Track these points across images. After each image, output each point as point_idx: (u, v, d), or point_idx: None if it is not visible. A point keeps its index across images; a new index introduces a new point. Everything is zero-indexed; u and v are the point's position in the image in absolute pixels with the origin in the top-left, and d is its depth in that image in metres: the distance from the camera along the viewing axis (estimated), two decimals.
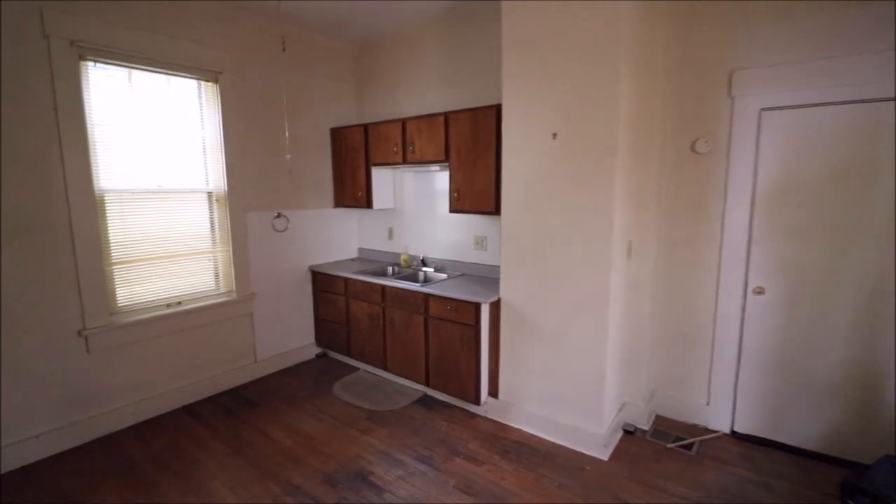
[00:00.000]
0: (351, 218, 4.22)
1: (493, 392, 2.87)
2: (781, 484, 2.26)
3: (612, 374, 2.48)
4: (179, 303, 3.04)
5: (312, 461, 2.46)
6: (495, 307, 2.79)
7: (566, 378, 2.54)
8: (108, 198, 2.67)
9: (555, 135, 2.43)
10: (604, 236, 2.33)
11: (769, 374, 2.53)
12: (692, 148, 2.63)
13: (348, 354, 3.68)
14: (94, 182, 2.59)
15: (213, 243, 3.24)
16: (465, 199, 3.05)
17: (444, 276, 3.43)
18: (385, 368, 3.39)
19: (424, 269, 3.63)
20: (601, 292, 2.37)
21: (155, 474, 2.36)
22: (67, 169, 2.46)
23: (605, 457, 2.45)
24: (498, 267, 2.84)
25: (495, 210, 2.87)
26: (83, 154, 2.52)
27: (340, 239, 4.14)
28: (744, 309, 2.57)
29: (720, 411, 2.68)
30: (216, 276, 3.29)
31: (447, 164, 3.11)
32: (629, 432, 2.68)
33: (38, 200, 2.39)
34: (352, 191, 3.80)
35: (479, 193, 2.96)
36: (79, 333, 2.57)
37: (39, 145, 2.37)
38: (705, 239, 2.64)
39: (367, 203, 3.70)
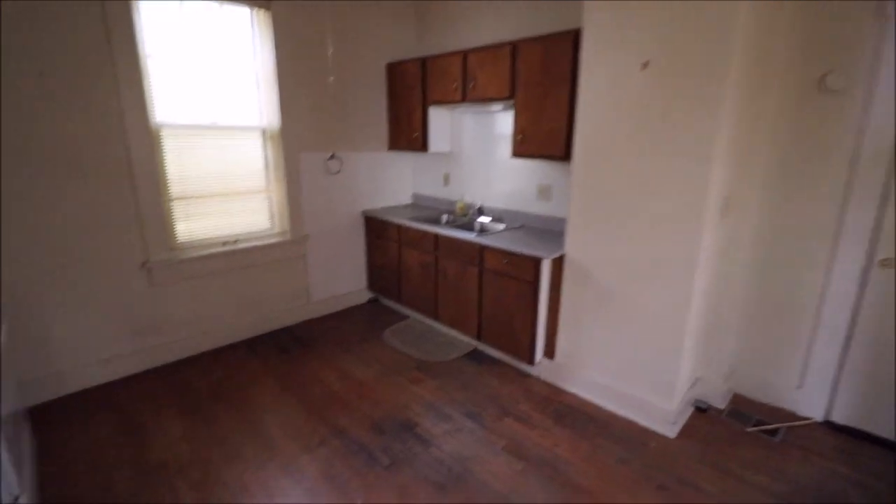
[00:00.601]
0: (406, 162, 4.02)
1: (549, 353, 2.68)
2: (883, 486, 1.94)
3: (689, 346, 2.20)
4: (235, 241, 3.05)
5: (360, 406, 2.44)
6: (558, 263, 2.54)
7: (635, 346, 2.29)
8: (164, 133, 2.63)
9: (645, 64, 2.03)
10: (697, 189, 1.97)
11: (887, 360, 2.13)
12: (820, 83, 2.12)
13: (399, 302, 3.61)
14: (150, 116, 2.54)
15: (268, 182, 3.18)
16: (530, 142, 2.73)
17: (501, 226, 3.19)
18: (436, 318, 3.29)
19: (481, 218, 3.40)
20: (688, 254, 2.04)
21: (212, 404, 2.45)
22: (123, 102, 2.42)
23: (672, 434, 2.23)
24: (563, 220, 2.55)
25: (565, 155, 2.54)
26: (138, 86, 2.46)
27: (394, 183, 3.98)
28: (863, 283, 2.14)
29: (815, 396, 2.33)
30: (271, 216, 3.26)
31: (511, 101, 2.78)
32: (701, 410, 2.42)
33: (97, 134, 2.38)
34: (407, 132, 3.57)
35: (547, 135, 2.63)
36: (142, 266, 2.64)
37: (94, 77, 2.32)
38: (824, 197, 2.18)
39: (423, 146, 3.47)
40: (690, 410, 2.42)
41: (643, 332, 2.25)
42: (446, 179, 3.79)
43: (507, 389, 2.63)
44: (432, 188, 3.95)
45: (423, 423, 2.31)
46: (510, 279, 2.67)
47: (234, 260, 3.03)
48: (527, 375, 2.78)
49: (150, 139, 2.55)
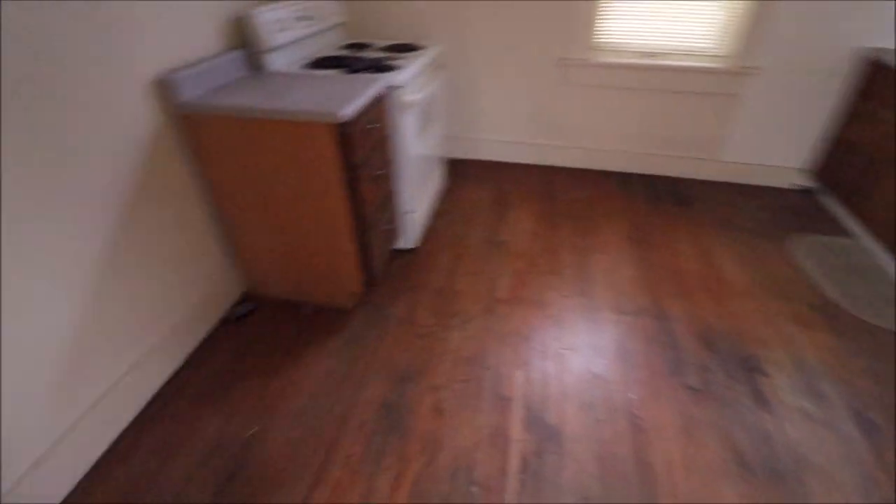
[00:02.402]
0: None
1: None
2: None
3: None
4: (657, 55, 2.52)
5: (701, 302, 1.91)
6: None
7: None
8: None
9: None
10: None
11: None
12: None
13: (851, 208, 2.34)
14: None
15: None
16: None
17: None
18: None
19: None
20: None
21: (562, 217, 2.47)
22: None
23: None
24: None
25: None
26: None
27: None
28: None
29: None
30: (720, 28, 2.44)
31: None
32: None
33: None
34: None
35: None
36: (557, 62, 2.59)
37: None
38: None
39: None
40: None
41: None
42: None
43: None
44: None
45: (776, 376, 1.60)
46: None
47: (648, 78, 2.56)
48: None
49: None
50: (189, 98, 1.46)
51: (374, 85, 1.59)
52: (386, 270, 2.09)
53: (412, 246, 2.18)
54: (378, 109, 1.63)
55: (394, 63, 1.88)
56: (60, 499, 1.24)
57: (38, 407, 1.16)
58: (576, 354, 1.68)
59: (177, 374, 1.61)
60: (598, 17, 2.47)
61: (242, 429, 1.42)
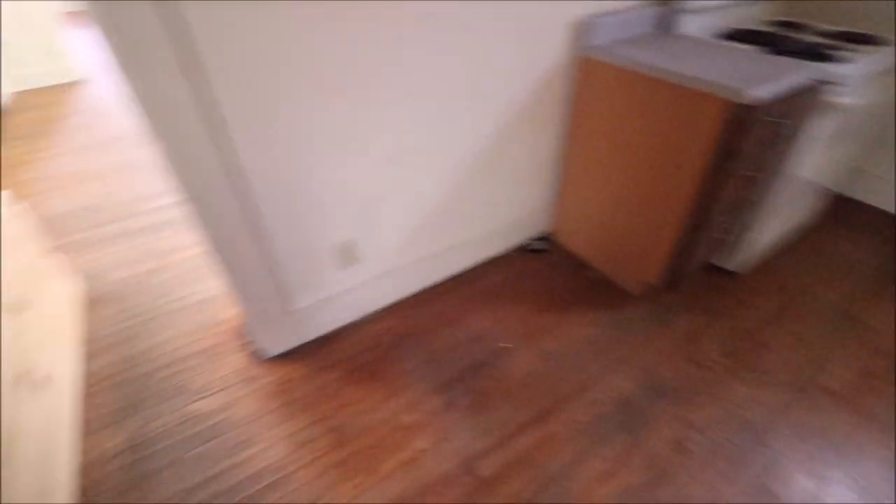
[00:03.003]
0: None
1: None
2: None
3: None
4: None
5: None
6: None
7: None
8: None
9: None
10: None
11: None
12: None
13: None
14: None
15: None
16: None
17: None
18: None
19: None
20: None
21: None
22: None
23: None
24: None
25: None
26: None
27: None
28: None
29: None
30: None
31: None
32: None
33: None
34: None
35: None
36: None
37: None
38: None
39: None
40: None
41: None
42: None
43: None
44: None
45: None
46: None
47: None
48: None
49: None
50: (595, 43, 1.54)
51: (800, 72, 1.30)
52: (692, 279, 1.85)
53: (734, 269, 1.85)
54: (791, 103, 1.34)
55: (836, 53, 1.49)
56: (388, 303, 1.72)
57: (402, 238, 1.59)
58: None
59: (472, 269, 1.91)
60: None
61: (500, 338, 1.60)
